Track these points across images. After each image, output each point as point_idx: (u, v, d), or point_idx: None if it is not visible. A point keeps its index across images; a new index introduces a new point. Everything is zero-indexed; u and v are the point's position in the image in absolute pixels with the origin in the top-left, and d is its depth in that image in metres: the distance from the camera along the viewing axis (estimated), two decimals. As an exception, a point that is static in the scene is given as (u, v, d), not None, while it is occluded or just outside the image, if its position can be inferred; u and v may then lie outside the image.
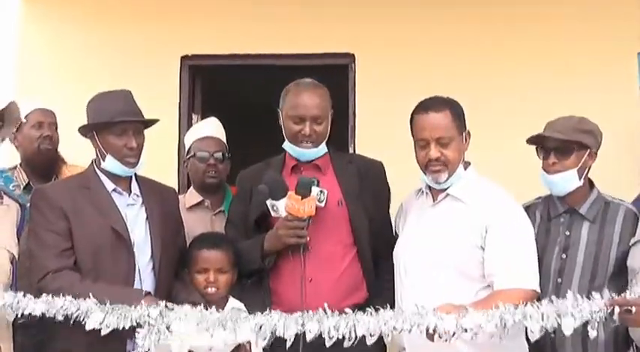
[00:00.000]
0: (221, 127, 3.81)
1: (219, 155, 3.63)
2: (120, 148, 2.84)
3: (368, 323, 2.20)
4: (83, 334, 2.31)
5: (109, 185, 2.88)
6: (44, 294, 2.39)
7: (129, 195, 2.92)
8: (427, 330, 2.22)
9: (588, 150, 2.89)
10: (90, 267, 2.73)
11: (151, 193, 2.99)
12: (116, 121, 2.82)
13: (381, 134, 4.25)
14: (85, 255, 2.74)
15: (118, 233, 2.79)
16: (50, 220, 2.76)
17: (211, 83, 4.81)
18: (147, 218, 2.91)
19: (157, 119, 2.98)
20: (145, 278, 2.82)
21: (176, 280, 2.97)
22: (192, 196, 3.67)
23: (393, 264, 2.94)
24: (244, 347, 2.57)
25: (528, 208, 2.96)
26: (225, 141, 3.76)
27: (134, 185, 2.95)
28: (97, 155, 2.92)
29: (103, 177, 2.89)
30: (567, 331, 2.16)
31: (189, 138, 3.77)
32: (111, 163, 2.86)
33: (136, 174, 2.98)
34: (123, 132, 2.84)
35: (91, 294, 2.35)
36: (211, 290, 2.89)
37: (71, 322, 2.30)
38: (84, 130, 2.91)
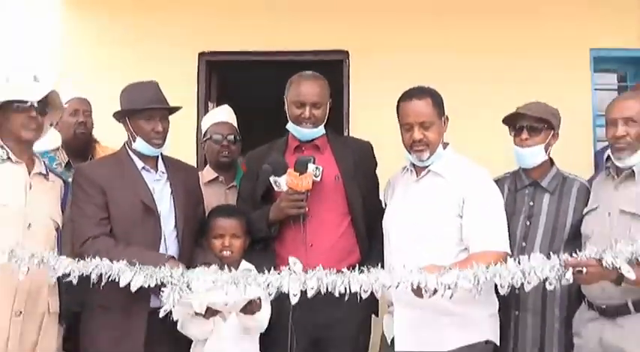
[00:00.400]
0: (233, 113, 3.80)
1: (231, 137, 3.63)
2: (148, 132, 2.84)
3: (361, 281, 2.21)
4: (118, 291, 2.33)
5: (139, 163, 2.88)
6: (84, 257, 2.41)
7: (156, 172, 2.91)
8: (414, 287, 2.23)
9: (552, 131, 2.91)
10: (123, 235, 2.74)
11: (175, 171, 2.98)
12: (145, 108, 2.82)
13: (371, 120, 4.23)
14: (118, 225, 2.76)
15: (147, 205, 2.79)
16: (90, 194, 2.77)
17: (225, 75, 4.80)
18: (171, 192, 2.91)
19: (180, 106, 2.98)
20: (170, 245, 2.82)
21: (196, 246, 2.97)
22: (208, 173, 3.66)
23: (382, 231, 2.94)
24: (255, 302, 2.57)
25: (498, 181, 2.96)
26: (236, 125, 3.76)
27: (160, 163, 2.95)
28: (128, 137, 2.92)
29: (133, 157, 2.89)
30: (528, 287, 2.19)
31: (206, 123, 3.76)
32: (140, 144, 2.86)
33: (162, 154, 2.97)
34: (151, 118, 2.84)
35: (123, 257, 2.38)
36: (226, 253, 2.88)
37: (105, 281, 2.32)
38: (117, 115, 2.91)
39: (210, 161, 3.72)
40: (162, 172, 2.94)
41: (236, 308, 2.52)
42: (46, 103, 2.79)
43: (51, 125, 2.91)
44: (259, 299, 2.55)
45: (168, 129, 2.92)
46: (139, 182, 2.84)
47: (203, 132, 3.77)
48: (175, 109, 2.96)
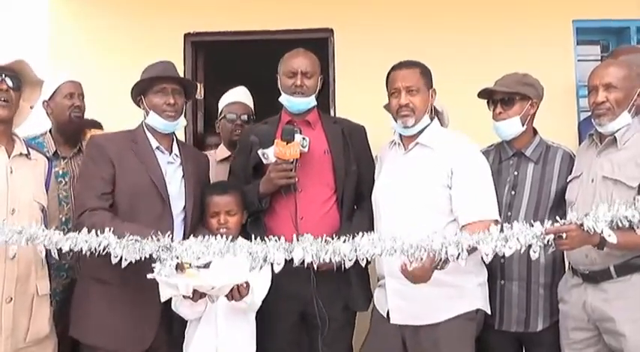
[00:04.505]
0: (248, 94, 3.88)
1: (245, 117, 3.72)
2: (160, 105, 2.83)
3: (344, 250, 2.17)
4: (115, 265, 2.27)
5: (154, 142, 2.86)
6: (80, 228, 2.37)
7: (170, 154, 2.89)
8: (399, 253, 2.20)
9: (530, 101, 2.90)
10: (128, 211, 2.71)
11: (189, 156, 2.97)
12: (153, 78, 2.82)
13: (356, 96, 4.22)
14: (124, 199, 2.73)
15: (156, 184, 2.76)
16: (98, 166, 2.75)
17: (211, 56, 4.76)
18: (183, 176, 2.88)
19: (193, 81, 2.95)
20: (176, 226, 2.79)
21: (200, 225, 2.92)
22: (222, 151, 3.74)
23: (371, 203, 2.94)
24: (242, 286, 2.52)
25: (483, 153, 2.93)
26: (252, 106, 3.81)
27: (175, 146, 2.93)
28: (144, 115, 2.90)
29: (149, 135, 2.87)
30: (508, 252, 2.15)
31: (222, 103, 3.84)
32: (153, 118, 2.85)
33: (177, 139, 2.96)
34: (162, 90, 2.83)
35: (118, 231, 2.32)
36: (223, 231, 2.81)
37: (97, 254, 2.28)
38: (133, 95, 2.90)
39: (224, 140, 3.78)
40: (176, 155, 2.91)
41: (223, 291, 2.48)
42: (20, 81, 2.68)
43: (31, 107, 2.80)
44: (246, 283, 2.51)
45: (183, 106, 2.90)
46: (150, 160, 2.81)
47: (219, 112, 3.84)
48: (186, 82, 2.95)
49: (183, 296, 2.47)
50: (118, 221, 2.60)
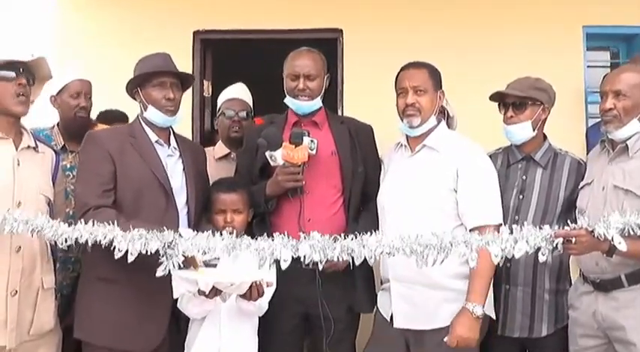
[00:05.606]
0: (247, 91, 3.85)
1: (243, 114, 3.68)
2: (159, 99, 2.77)
3: (353, 247, 2.11)
4: (121, 263, 2.19)
5: (153, 136, 2.81)
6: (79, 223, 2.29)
7: (168, 147, 2.85)
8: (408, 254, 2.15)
9: (542, 106, 2.88)
10: (131, 207, 2.66)
11: (187, 149, 2.93)
12: (152, 72, 2.77)
13: (365, 97, 4.21)
14: (127, 195, 2.67)
15: (159, 178, 2.72)
16: (97, 162, 2.68)
17: (219, 54, 4.76)
18: (184, 169, 2.85)
19: (191, 74, 2.90)
20: (181, 219, 2.76)
21: (205, 221, 2.89)
22: (220, 149, 3.70)
23: (376, 207, 2.93)
24: (259, 288, 2.50)
25: (491, 156, 2.94)
26: (250, 103, 3.79)
27: (172, 139, 2.89)
28: (140, 109, 2.85)
29: (147, 129, 2.82)
30: (518, 253, 2.10)
31: (221, 99, 3.82)
32: (152, 112, 2.79)
33: (174, 131, 2.92)
34: (161, 85, 2.78)
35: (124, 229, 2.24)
36: (229, 229, 2.70)
37: (101, 248, 2.20)
38: (129, 88, 2.84)
39: (223, 137, 3.75)
40: (175, 148, 2.87)
41: (241, 289, 2.46)
42: (35, 76, 2.68)
43: (32, 102, 2.75)
44: (261, 280, 2.49)
45: (180, 100, 2.86)
46: (151, 155, 2.76)
47: (217, 109, 3.82)
48: (187, 79, 2.92)
49: (199, 293, 2.45)
50: (123, 219, 2.54)
